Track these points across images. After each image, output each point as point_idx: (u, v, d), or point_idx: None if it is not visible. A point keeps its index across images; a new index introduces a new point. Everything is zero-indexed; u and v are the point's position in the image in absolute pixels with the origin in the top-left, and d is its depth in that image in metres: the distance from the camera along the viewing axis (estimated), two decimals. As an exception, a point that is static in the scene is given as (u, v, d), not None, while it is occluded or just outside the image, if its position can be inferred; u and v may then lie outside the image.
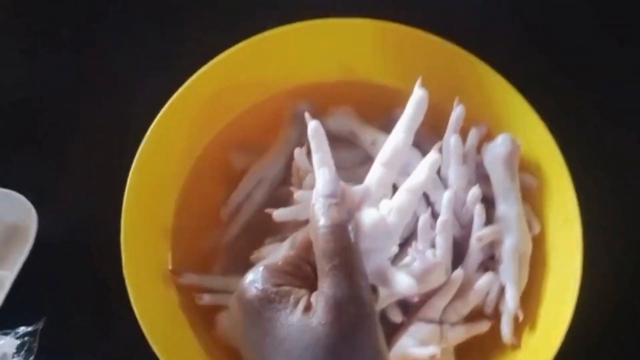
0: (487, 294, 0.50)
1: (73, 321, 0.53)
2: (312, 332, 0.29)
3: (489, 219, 0.51)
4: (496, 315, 0.50)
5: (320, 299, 0.29)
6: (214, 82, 0.54)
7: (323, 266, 0.30)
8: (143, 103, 0.53)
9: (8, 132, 0.61)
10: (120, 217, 0.48)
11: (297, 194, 0.48)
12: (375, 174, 0.34)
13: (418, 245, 0.48)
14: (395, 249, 0.49)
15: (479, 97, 0.54)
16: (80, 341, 0.53)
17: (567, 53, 0.65)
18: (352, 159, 0.55)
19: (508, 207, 0.51)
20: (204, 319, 0.50)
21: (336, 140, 0.56)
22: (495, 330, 0.49)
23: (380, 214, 0.33)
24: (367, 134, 0.54)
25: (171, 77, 0.53)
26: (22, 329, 0.49)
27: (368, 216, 0.32)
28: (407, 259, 0.48)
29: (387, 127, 0.52)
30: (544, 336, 0.48)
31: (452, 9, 0.65)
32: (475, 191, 0.50)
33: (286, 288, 0.30)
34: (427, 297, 0.49)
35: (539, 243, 0.52)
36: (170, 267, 0.51)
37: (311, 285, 0.31)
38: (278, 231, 0.50)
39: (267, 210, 0.48)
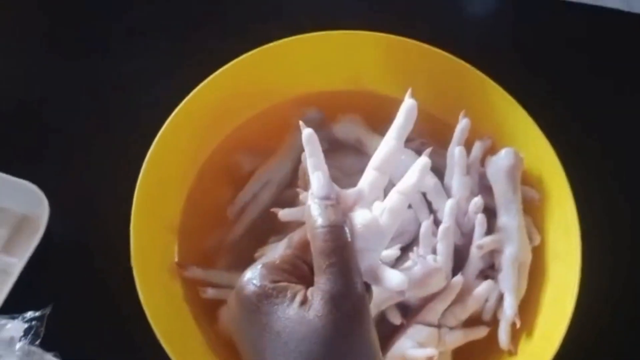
0: (486, 301, 0.51)
1: (79, 308, 0.54)
2: (308, 324, 0.30)
3: (490, 230, 0.52)
4: (494, 322, 0.51)
5: (316, 294, 0.30)
6: (225, 88, 0.55)
7: (320, 264, 0.31)
8: (155, 106, 0.55)
9: (25, 131, 0.63)
10: (129, 214, 0.49)
11: (303, 195, 0.49)
12: (368, 177, 0.36)
13: (419, 250, 0.49)
14: (396, 252, 0.50)
15: (483, 110, 0.55)
16: (85, 328, 0.54)
17: (569, 70, 0.66)
18: (358, 165, 0.56)
19: (509, 218, 0.52)
20: (207, 313, 0.51)
21: (343, 147, 0.57)
22: (493, 336, 0.50)
23: (372, 215, 0.34)
24: (373, 142, 0.55)
25: (183, 82, 0.54)
26: (30, 314, 0.49)
27: (361, 217, 0.34)
28: (408, 263, 0.49)
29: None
30: (541, 344, 0.49)
31: (458, 25, 0.67)
32: (477, 201, 0.51)
33: (283, 284, 0.31)
34: (426, 301, 0.49)
35: (539, 253, 0.52)
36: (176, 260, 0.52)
37: (307, 282, 0.32)
38: (282, 231, 0.51)
39: (273, 210, 0.49)
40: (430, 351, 0.46)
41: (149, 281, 0.47)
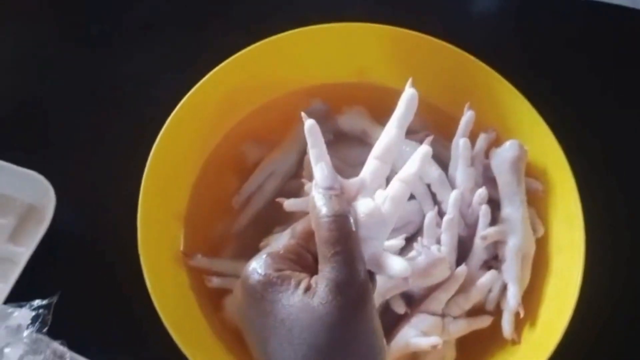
0: (490, 291, 0.51)
1: (86, 297, 0.54)
2: (312, 311, 0.30)
3: (494, 221, 0.52)
4: (498, 312, 0.51)
5: (321, 281, 0.31)
6: (232, 78, 0.56)
7: (325, 253, 0.31)
8: (162, 97, 0.55)
9: (31, 121, 0.64)
10: (136, 204, 0.50)
11: (308, 186, 0.50)
12: (370, 166, 0.36)
13: (424, 240, 0.50)
14: (401, 242, 0.50)
15: (488, 103, 0.56)
16: (92, 316, 0.54)
17: (574, 65, 0.66)
18: (363, 156, 0.55)
19: (513, 210, 0.52)
20: (212, 301, 0.51)
21: (348, 139, 0.58)
22: (496, 325, 0.50)
23: (375, 204, 0.34)
24: (378, 133, 0.54)
25: (189, 75, 0.55)
26: (37, 302, 0.50)
27: (364, 206, 0.34)
28: (412, 253, 0.49)
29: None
30: (544, 333, 0.49)
31: (465, 19, 0.67)
32: (481, 192, 0.51)
33: (288, 272, 0.32)
34: (430, 291, 0.50)
35: (542, 244, 0.53)
36: (182, 249, 0.53)
37: (311, 271, 0.32)
38: (287, 221, 0.52)
39: (279, 200, 0.49)
40: (434, 339, 0.47)
41: (156, 270, 0.48)
